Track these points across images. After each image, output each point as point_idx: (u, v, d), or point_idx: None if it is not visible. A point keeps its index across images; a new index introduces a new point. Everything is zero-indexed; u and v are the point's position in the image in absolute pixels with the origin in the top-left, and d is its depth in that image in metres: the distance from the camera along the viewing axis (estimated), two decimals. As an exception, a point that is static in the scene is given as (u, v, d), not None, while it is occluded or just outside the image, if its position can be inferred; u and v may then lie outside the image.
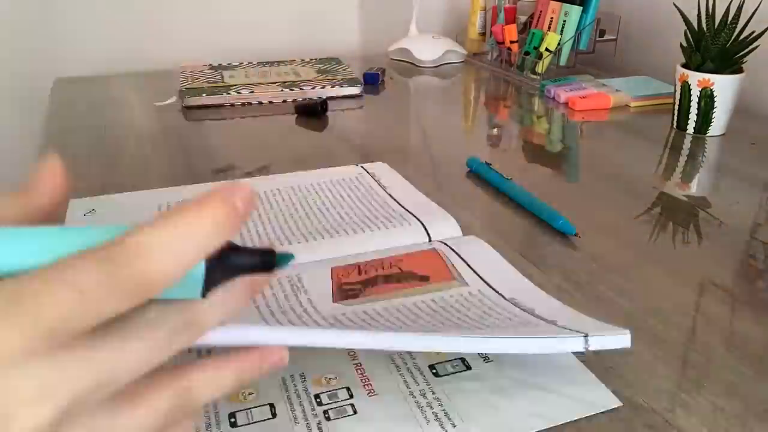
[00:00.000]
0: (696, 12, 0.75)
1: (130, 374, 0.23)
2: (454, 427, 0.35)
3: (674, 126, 0.81)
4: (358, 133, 0.83)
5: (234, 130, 0.84)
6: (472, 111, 0.99)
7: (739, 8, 0.73)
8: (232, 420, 0.35)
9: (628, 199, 0.62)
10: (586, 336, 0.36)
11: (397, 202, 0.58)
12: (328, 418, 0.35)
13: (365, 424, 0.35)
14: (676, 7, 0.77)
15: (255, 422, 0.35)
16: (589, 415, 0.35)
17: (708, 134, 0.79)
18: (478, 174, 0.66)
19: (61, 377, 0.21)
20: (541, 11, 1.06)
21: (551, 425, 0.35)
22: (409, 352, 0.40)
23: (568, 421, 0.35)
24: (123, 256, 0.22)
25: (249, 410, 0.36)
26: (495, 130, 0.86)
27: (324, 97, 0.90)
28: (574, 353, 0.39)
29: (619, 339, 0.37)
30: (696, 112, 0.78)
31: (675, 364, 0.39)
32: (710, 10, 0.74)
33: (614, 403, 0.36)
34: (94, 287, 0.21)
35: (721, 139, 0.78)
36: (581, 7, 0.99)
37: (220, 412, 0.36)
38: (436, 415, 0.36)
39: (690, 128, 0.79)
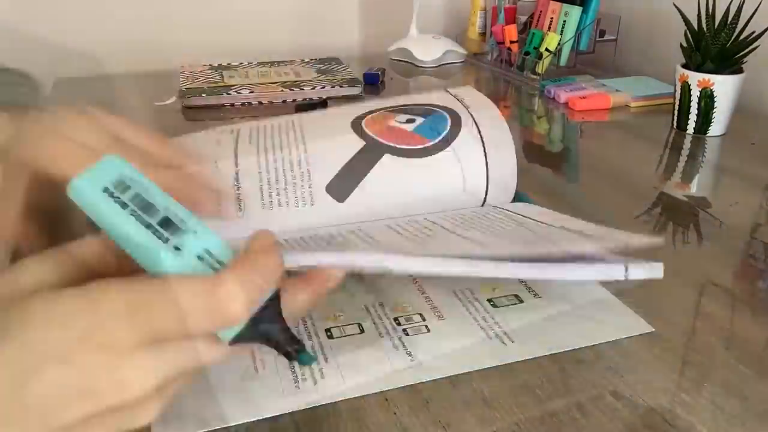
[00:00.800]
0: (696, 12, 0.75)
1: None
2: (513, 342, 0.41)
3: (674, 126, 0.81)
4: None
5: (234, 130, 0.84)
6: (472, 111, 0.99)
7: (739, 8, 0.73)
8: (328, 333, 0.43)
9: (628, 199, 0.62)
10: (626, 267, 0.39)
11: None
12: (407, 334, 0.42)
13: (438, 338, 0.42)
14: (676, 7, 0.77)
15: (347, 335, 0.42)
16: (627, 336, 0.42)
17: (708, 134, 0.79)
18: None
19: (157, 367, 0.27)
20: (541, 11, 1.06)
21: (593, 343, 0.41)
22: (469, 288, 0.47)
23: (608, 340, 0.41)
24: (220, 294, 0.28)
25: (341, 327, 0.43)
26: (495, 130, 0.86)
27: (324, 98, 0.90)
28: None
29: (654, 270, 0.40)
30: (696, 112, 0.78)
31: (675, 364, 0.39)
32: (710, 10, 0.74)
33: (646, 328, 0.42)
34: (192, 312, 0.27)
35: (721, 139, 0.78)
36: (581, 8, 0.99)
37: (316, 326, 0.43)
38: (497, 334, 0.42)
39: (690, 128, 0.79)
